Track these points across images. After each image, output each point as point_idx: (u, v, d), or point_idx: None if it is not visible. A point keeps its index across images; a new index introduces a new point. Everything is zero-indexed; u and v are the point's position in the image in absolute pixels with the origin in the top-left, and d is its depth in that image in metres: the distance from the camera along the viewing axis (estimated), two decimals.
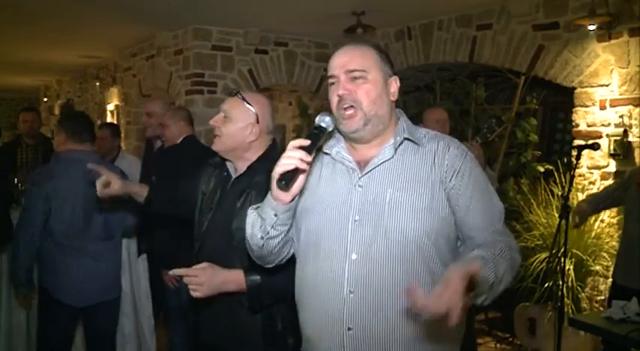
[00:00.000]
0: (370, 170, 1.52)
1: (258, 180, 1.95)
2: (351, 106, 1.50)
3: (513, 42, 4.68)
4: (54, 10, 5.18)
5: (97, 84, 8.53)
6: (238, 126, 1.98)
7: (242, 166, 2.04)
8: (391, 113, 1.57)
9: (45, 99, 11.49)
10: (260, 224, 1.53)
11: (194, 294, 1.84)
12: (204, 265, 1.86)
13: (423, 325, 1.43)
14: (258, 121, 1.99)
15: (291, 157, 1.38)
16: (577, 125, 4.29)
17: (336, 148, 1.58)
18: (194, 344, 2.20)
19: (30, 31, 6.19)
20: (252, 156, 2.02)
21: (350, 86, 1.51)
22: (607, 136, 4.07)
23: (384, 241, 1.46)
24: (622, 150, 3.94)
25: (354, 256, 1.47)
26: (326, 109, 5.26)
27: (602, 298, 3.95)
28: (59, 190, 2.85)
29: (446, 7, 4.97)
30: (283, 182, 1.39)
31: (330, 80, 1.55)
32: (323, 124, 1.49)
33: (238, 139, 1.98)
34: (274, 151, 2.04)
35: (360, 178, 1.52)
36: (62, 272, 2.89)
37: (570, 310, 3.86)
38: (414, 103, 6.25)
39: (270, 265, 1.65)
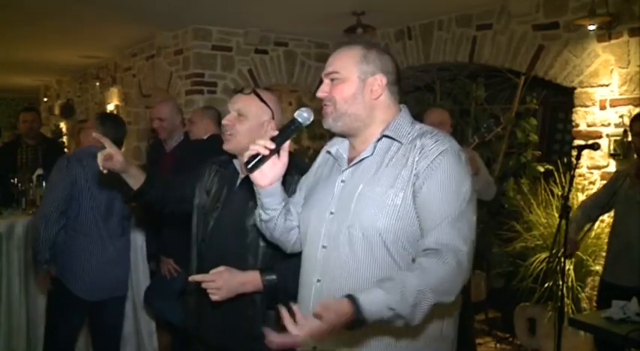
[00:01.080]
0: (352, 165, 1.60)
1: None
2: (327, 105, 1.62)
3: (513, 42, 4.68)
4: (54, 10, 5.18)
5: (97, 84, 8.53)
6: (253, 124, 1.98)
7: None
8: (372, 111, 1.60)
9: (45, 99, 11.49)
10: (258, 207, 1.71)
11: (213, 297, 1.85)
12: (220, 269, 1.87)
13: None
14: (273, 118, 2.01)
15: (257, 144, 1.55)
16: (577, 125, 4.29)
17: (337, 146, 1.67)
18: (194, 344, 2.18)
19: (30, 31, 6.19)
20: None
21: (327, 88, 1.62)
22: (607, 136, 4.07)
23: (347, 234, 1.52)
24: (622, 150, 3.94)
25: (323, 247, 1.58)
26: None
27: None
28: (86, 178, 2.89)
29: (446, 7, 4.97)
30: (248, 166, 1.56)
31: (325, 77, 1.67)
32: (299, 119, 1.61)
33: (254, 137, 1.95)
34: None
35: (342, 173, 1.62)
36: (79, 264, 2.92)
37: (570, 310, 3.86)
38: (414, 103, 6.25)
39: (287, 251, 1.79)
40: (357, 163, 1.59)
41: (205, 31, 5.74)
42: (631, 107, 3.92)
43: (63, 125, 10.25)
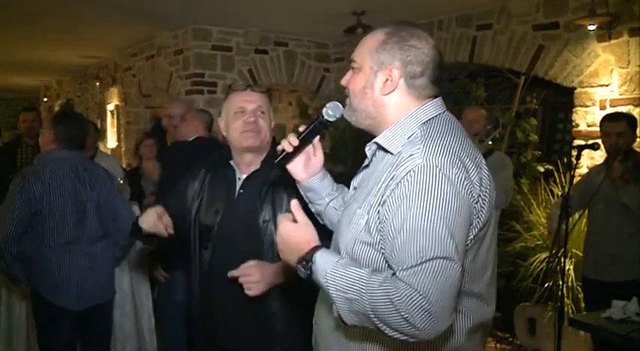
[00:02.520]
0: (358, 174, 1.51)
1: (275, 174, 1.94)
2: (347, 96, 1.48)
3: (513, 42, 4.68)
4: (54, 10, 5.18)
5: (97, 84, 8.54)
6: (270, 119, 2.07)
7: (254, 161, 2.03)
8: (382, 109, 1.38)
9: (45, 99, 11.49)
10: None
11: (250, 292, 1.83)
12: (251, 263, 1.85)
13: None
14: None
15: (285, 139, 1.54)
16: (577, 125, 4.29)
17: (371, 144, 1.48)
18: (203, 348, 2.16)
19: (30, 31, 6.19)
20: (265, 150, 2.05)
21: (348, 76, 1.45)
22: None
23: (335, 247, 1.43)
24: None
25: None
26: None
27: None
28: (47, 191, 2.75)
29: (446, 7, 4.97)
30: (276, 160, 1.58)
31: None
32: (325, 116, 1.54)
33: (271, 132, 2.06)
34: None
35: (354, 180, 1.53)
36: (58, 275, 2.80)
37: (570, 310, 3.86)
38: None
39: None
40: (360, 171, 1.50)
41: (205, 31, 5.74)
42: (631, 107, 3.92)
43: None
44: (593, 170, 3.50)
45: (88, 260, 2.88)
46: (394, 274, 1.19)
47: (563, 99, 4.87)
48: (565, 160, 4.48)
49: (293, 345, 1.92)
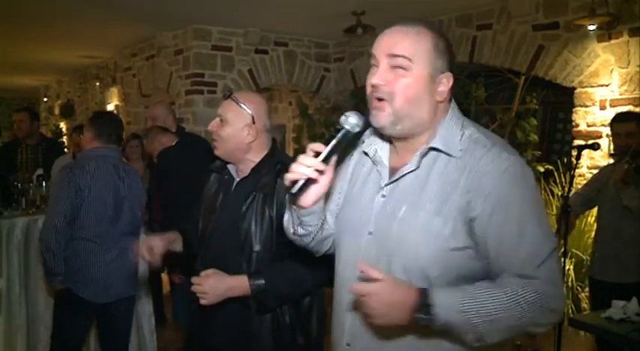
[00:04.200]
0: (395, 180, 1.34)
1: (264, 182, 1.94)
2: (383, 99, 1.29)
3: (513, 42, 4.68)
4: (54, 10, 5.18)
5: (97, 84, 8.53)
6: (235, 128, 1.96)
7: (245, 168, 2.02)
8: (434, 116, 1.32)
9: (45, 99, 11.49)
10: (289, 220, 1.47)
11: (202, 302, 1.85)
12: (209, 272, 1.87)
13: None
14: (254, 122, 1.97)
15: (303, 164, 1.25)
16: (577, 125, 4.29)
17: (376, 146, 1.41)
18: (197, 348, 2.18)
19: (30, 31, 6.19)
20: (255, 157, 2.00)
21: (388, 76, 1.28)
22: (607, 136, 4.06)
23: (387, 263, 1.29)
24: None
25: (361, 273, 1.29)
26: (326, 109, 5.24)
27: None
28: (92, 184, 2.87)
29: (446, 7, 4.97)
30: (293, 191, 1.27)
31: (372, 62, 1.33)
32: (347, 126, 1.28)
33: (237, 141, 1.96)
34: (277, 152, 2.04)
35: (385, 186, 1.36)
36: (87, 268, 2.88)
37: (570, 310, 3.86)
38: None
39: (317, 255, 1.57)
40: (399, 178, 1.33)
41: (205, 31, 5.74)
42: (631, 107, 3.92)
43: (63, 125, 10.26)
44: (605, 170, 3.46)
45: (116, 255, 2.96)
46: (518, 275, 1.22)
47: (563, 99, 4.88)
48: (565, 160, 4.49)
49: (280, 346, 1.94)
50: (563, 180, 4.20)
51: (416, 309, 1.17)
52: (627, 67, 3.94)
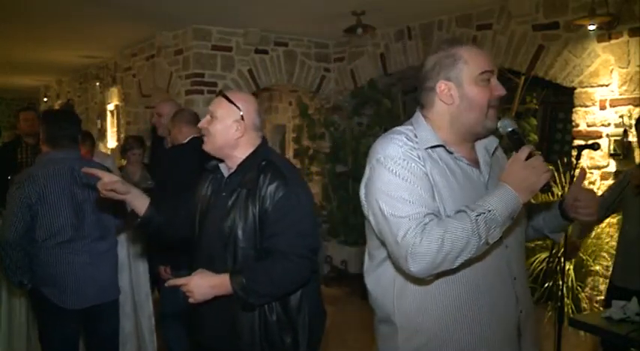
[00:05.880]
0: (488, 169, 1.63)
1: (248, 178, 1.98)
2: (494, 106, 1.62)
3: (513, 42, 4.68)
4: (54, 10, 5.18)
5: (97, 84, 8.54)
6: (224, 124, 2.02)
7: (232, 165, 2.07)
8: None
9: (45, 99, 11.50)
10: (490, 230, 1.45)
11: (189, 300, 1.93)
12: (199, 271, 1.94)
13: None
14: (243, 118, 2.03)
15: (547, 170, 1.46)
16: (577, 125, 4.30)
17: (452, 148, 1.61)
18: (191, 346, 2.21)
19: (30, 31, 6.19)
20: (242, 154, 2.05)
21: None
22: (607, 136, 4.07)
23: (518, 229, 1.64)
24: (622, 150, 3.95)
25: (507, 246, 1.59)
26: (326, 109, 5.25)
27: (602, 298, 3.94)
28: (43, 194, 2.76)
29: (446, 7, 4.97)
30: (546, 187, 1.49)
31: (486, 76, 1.59)
32: (513, 128, 1.58)
33: (225, 137, 2.02)
34: (264, 149, 2.07)
35: (487, 180, 1.61)
36: (59, 275, 2.80)
37: (570, 310, 3.86)
38: (414, 103, 6.24)
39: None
40: (489, 166, 1.65)
41: (205, 31, 5.74)
42: (631, 107, 3.93)
43: None
44: (628, 173, 3.40)
45: (88, 259, 2.87)
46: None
47: (563, 99, 4.88)
48: (565, 160, 4.49)
49: (268, 344, 1.98)
50: (563, 180, 4.20)
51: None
52: (627, 67, 3.94)
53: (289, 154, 7.11)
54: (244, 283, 1.88)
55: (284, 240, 1.91)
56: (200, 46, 5.74)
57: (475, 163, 1.62)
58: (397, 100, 5.74)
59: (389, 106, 5.70)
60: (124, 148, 4.92)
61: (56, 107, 10.46)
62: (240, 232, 1.95)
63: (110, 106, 8.09)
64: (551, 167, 1.52)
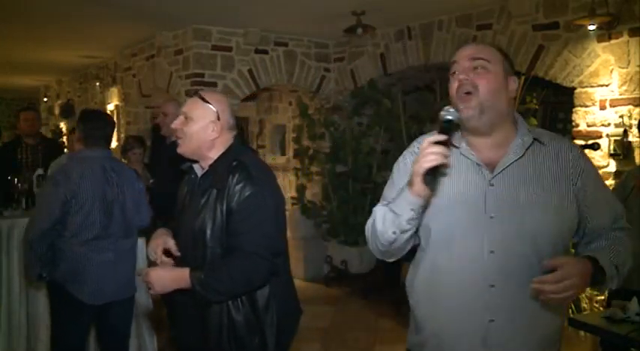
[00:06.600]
0: (503, 169, 1.54)
1: (219, 178, 2.00)
2: (469, 92, 1.52)
3: (513, 42, 4.68)
4: (54, 10, 5.18)
5: (97, 84, 8.53)
6: (200, 125, 2.02)
7: (206, 166, 2.08)
8: (509, 110, 1.58)
9: (45, 99, 11.49)
10: (393, 220, 1.54)
11: (150, 292, 1.99)
12: (166, 260, 2.01)
13: (557, 316, 1.62)
14: (219, 119, 2.04)
15: (436, 153, 1.40)
16: (577, 125, 4.30)
17: (462, 143, 1.59)
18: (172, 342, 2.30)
19: (30, 31, 6.19)
20: (215, 155, 2.06)
21: (471, 74, 1.53)
22: (607, 136, 4.07)
23: (520, 237, 1.50)
24: (622, 150, 3.95)
25: (492, 252, 1.51)
26: (326, 109, 5.27)
27: (602, 298, 3.94)
28: (77, 192, 2.84)
29: (446, 7, 4.97)
30: (431, 177, 1.43)
31: (452, 69, 1.58)
32: (450, 117, 1.50)
33: (201, 138, 2.03)
34: (236, 149, 2.08)
35: (494, 177, 1.54)
36: (82, 271, 2.88)
37: (570, 310, 3.86)
38: (414, 103, 6.25)
39: (391, 260, 1.69)
40: (507, 167, 1.54)
41: (205, 31, 5.74)
42: (631, 107, 3.92)
43: (63, 125, 10.26)
44: (631, 173, 3.38)
45: (112, 257, 2.96)
46: (613, 229, 1.61)
47: (563, 99, 4.87)
48: None
49: (228, 344, 2.00)
50: None
51: (594, 281, 1.48)
52: (627, 67, 3.94)
53: (289, 154, 7.11)
54: (202, 279, 1.91)
55: (246, 239, 1.92)
56: (200, 46, 5.74)
57: (489, 159, 1.56)
58: (397, 100, 5.73)
59: (389, 106, 5.70)
60: (124, 148, 4.94)
61: (56, 107, 10.46)
62: (208, 232, 1.97)
63: (110, 106, 8.08)
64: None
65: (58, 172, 2.94)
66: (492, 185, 1.53)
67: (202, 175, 2.08)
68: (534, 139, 1.57)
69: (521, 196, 1.51)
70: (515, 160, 1.54)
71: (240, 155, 2.05)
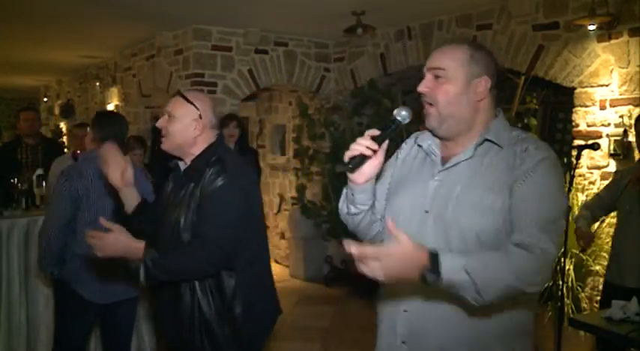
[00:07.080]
0: (450, 166, 1.59)
1: (197, 172, 2.06)
2: (430, 104, 1.58)
3: (513, 42, 4.68)
4: (54, 10, 5.18)
5: (97, 84, 8.54)
6: (183, 123, 2.09)
7: (189, 162, 2.14)
8: (475, 113, 1.58)
9: (45, 99, 11.49)
10: (344, 200, 1.72)
11: (97, 254, 1.97)
12: (115, 226, 1.99)
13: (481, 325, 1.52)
14: (201, 117, 2.10)
15: (360, 144, 1.51)
16: (577, 125, 4.30)
17: (429, 141, 1.66)
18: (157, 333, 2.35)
19: (30, 31, 6.19)
20: (197, 151, 2.12)
21: (431, 84, 1.57)
22: (607, 136, 4.07)
23: (444, 234, 1.52)
24: (622, 150, 3.95)
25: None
26: (326, 109, 5.26)
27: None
28: (90, 190, 2.88)
29: (446, 7, 4.97)
30: (350, 165, 1.53)
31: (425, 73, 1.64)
32: (398, 118, 1.58)
33: (184, 136, 2.09)
34: (217, 146, 2.14)
35: (439, 172, 1.60)
36: (88, 269, 2.90)
37: (570, 310, 3.86)
38: (414, 103, 6.24)
39: (362, 240, 1.75)
40: (454, 164, 1.58)
41: (205, 31, 5.74)
42: (631, 107, 3.93)
43: (63, 125, 10.26)
44: (624, 172, 3.38)
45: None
46: (516, 244, 1.43)
47: (563, 99, 4.88)
48: (565, 160, 4.49)
49: (199, 333, 2.04)
50: (563, 180, 4.19)
51: (426, 268, 1.35)
52: (627, 67, 3.94)
53: (289, 154, 7.11)
54: (155, 256, 1.94)
55: (206, 225, 1.97)
56: (200, 46, 5.74)
57: (449, 158, 1.62)
58: (397, 100, 5.73)
59: (389, 106, 5.69)
60: (124, 152, 4.94)
61: (56, 107, 10.46)
62: (182, 221, 2.02)
63: (110, 106, 8.08)
64: None
65: (72, 170, 2.98)
66: (438, 180, 1.59)
67: (184, 171, 2.14)
68: (486, 140, 1.57)
69: (454, 193, 1.54)
70: (465, 160, 1.57)
71: (221, 152, 2.12)
